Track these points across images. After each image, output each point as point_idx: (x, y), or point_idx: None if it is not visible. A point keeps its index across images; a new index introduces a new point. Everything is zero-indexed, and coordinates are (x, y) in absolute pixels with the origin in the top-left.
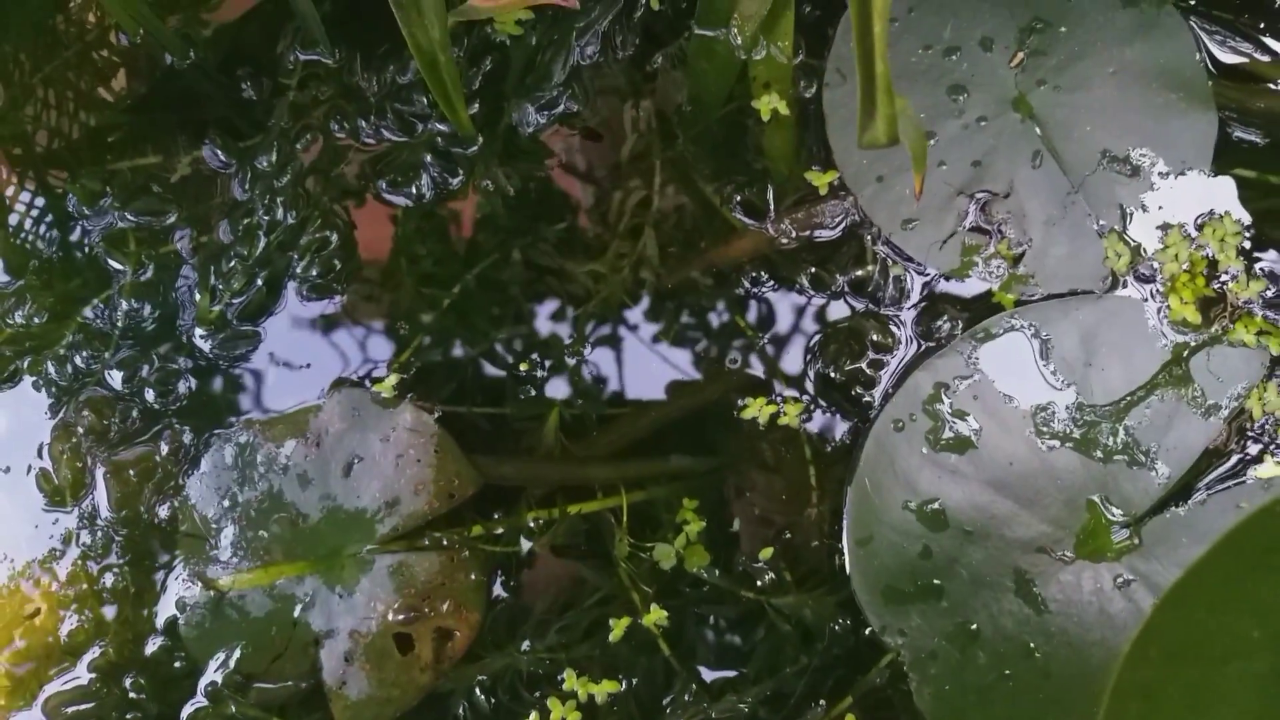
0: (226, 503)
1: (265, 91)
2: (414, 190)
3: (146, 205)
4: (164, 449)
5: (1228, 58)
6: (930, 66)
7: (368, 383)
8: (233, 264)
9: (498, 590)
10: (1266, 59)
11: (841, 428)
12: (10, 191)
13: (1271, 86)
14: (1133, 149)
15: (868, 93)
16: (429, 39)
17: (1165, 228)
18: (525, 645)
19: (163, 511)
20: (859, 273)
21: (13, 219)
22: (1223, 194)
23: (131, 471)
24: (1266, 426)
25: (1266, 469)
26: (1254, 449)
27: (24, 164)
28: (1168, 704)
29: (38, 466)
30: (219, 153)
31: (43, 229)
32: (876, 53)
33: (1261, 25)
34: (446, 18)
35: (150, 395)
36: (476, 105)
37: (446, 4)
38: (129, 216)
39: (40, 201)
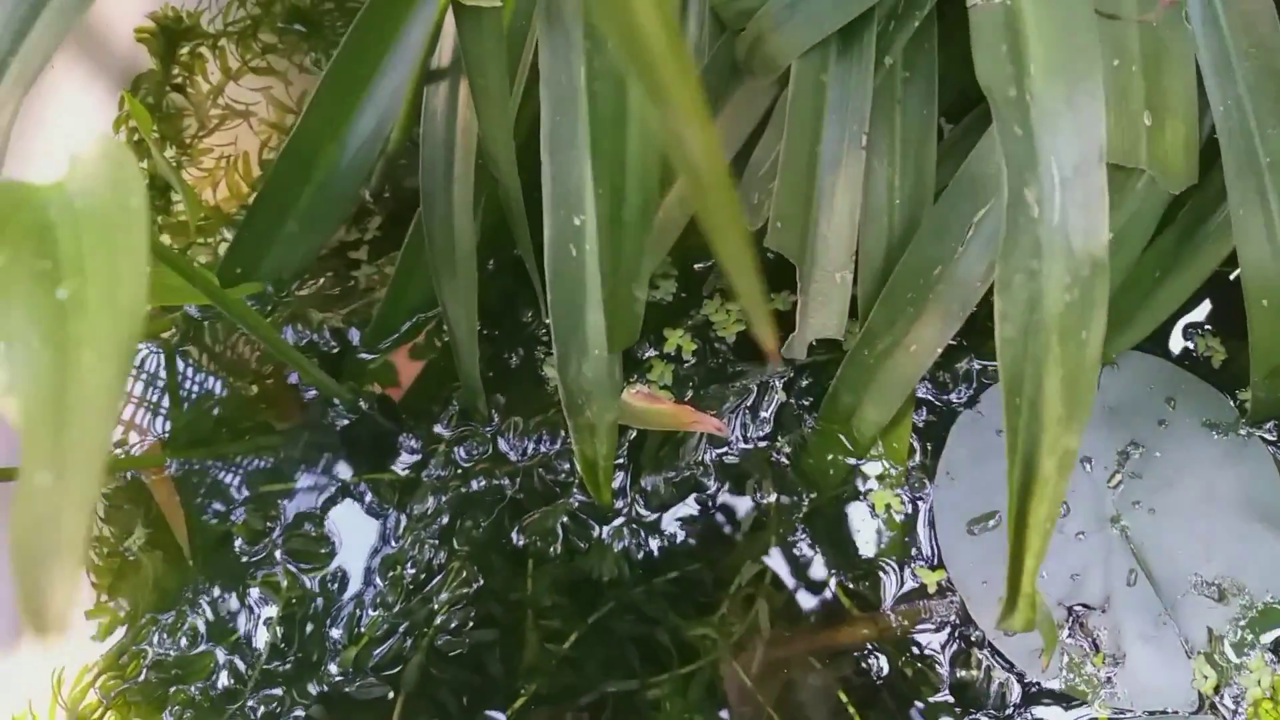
0: None
1: (424, 443)
2: (551, 551)
3: (304, 546)
4: None
5: None
6: None
7: None
8: (376, 612)
9: None
10: None
11: None
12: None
13: None
14: (1221, 574)
15: (1012, 594)
16: (595, 453)
17: (1249, 651)
18: None
19: None
20: (963, 674)
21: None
22: None
23: None
24: None
25: None
26: None
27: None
28: None
29: None
30: (376, 498)
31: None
32: (1025, 570)
33: None
34: (616, 437)
35: None
36: (617, 477)
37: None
38: (285, 558)
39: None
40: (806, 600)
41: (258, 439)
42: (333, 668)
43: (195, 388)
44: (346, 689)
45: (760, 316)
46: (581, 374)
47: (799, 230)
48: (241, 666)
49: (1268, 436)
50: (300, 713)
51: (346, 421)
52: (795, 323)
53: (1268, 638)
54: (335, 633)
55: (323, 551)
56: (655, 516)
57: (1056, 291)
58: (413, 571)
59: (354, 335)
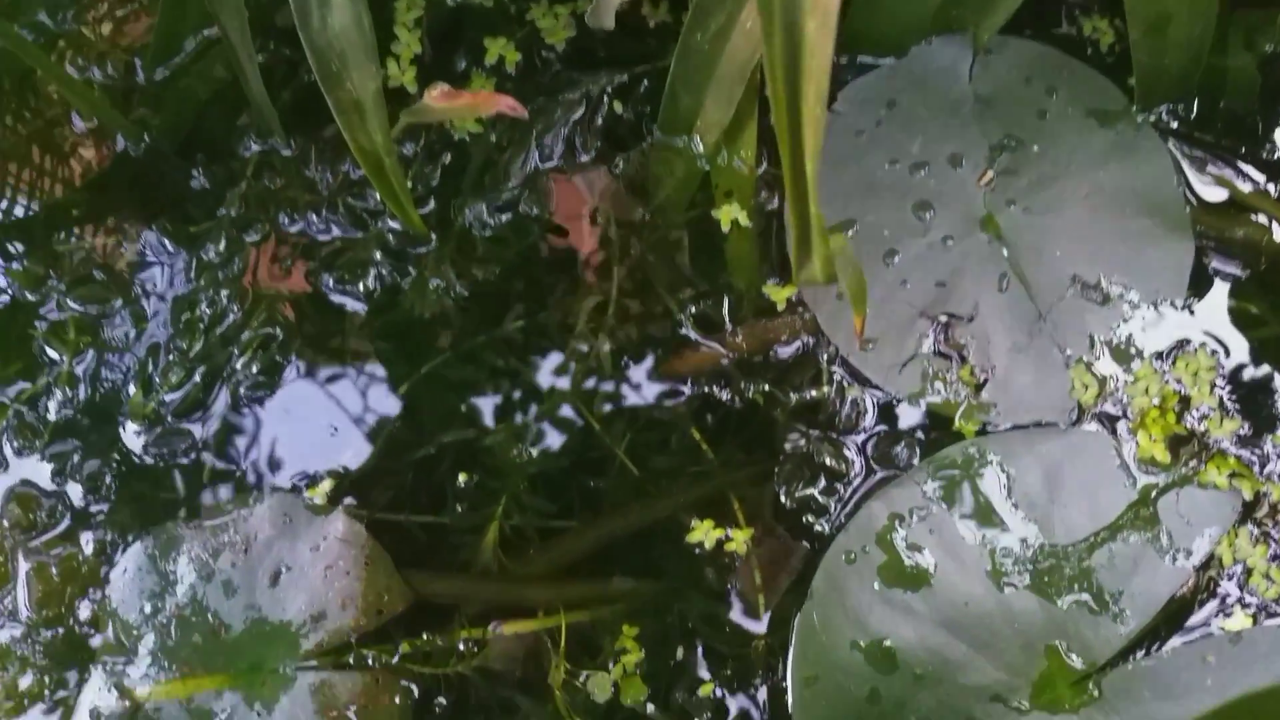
0: (149, 608)
1: (218, 179)
2: (361, 287)
3: (90, 292)
4: (89, 548)
5: (1207, 184)
6: (896, 181)
7: (302, 487)
8: (171, 358)
9: (425, 714)
10: (1248, 187)
11: (793, 556)
12: None
13: (1253, 216)
14: (1104, 276)
15: (802, 233)
16: (371, 142)
17: (1136, 360)
18: None
19: (84, 613)
20: (814, 394)
21: None
22: (1198, 326)
23: (54, 569)
24: (1237, 575)
25: (1235, 621)
26: (1223, 599)
27: None
28: None
29: None
30: (166, 240)
31: None
32: (810, 196)
33: (1243, 150)
34: (389, 123)
35: (78, 492)
36: (432, 203)
37: (395, 104)
38: (71, 303)
39: None
40: (653, 330)
41: (40, 185)
42: (130, 424)
43: None
44: (145, 440)
45: None
46: (327, 28)
47: None
48: (32, 419)
49: (1169, 125)
50: (95, 466)
51: (134, 160)
52: None
53: (1157, 344)
54: (130, 387)
55: (112, 299)
56: (483, 251)
57: None
58: (210, 313)
59: (139, 67)
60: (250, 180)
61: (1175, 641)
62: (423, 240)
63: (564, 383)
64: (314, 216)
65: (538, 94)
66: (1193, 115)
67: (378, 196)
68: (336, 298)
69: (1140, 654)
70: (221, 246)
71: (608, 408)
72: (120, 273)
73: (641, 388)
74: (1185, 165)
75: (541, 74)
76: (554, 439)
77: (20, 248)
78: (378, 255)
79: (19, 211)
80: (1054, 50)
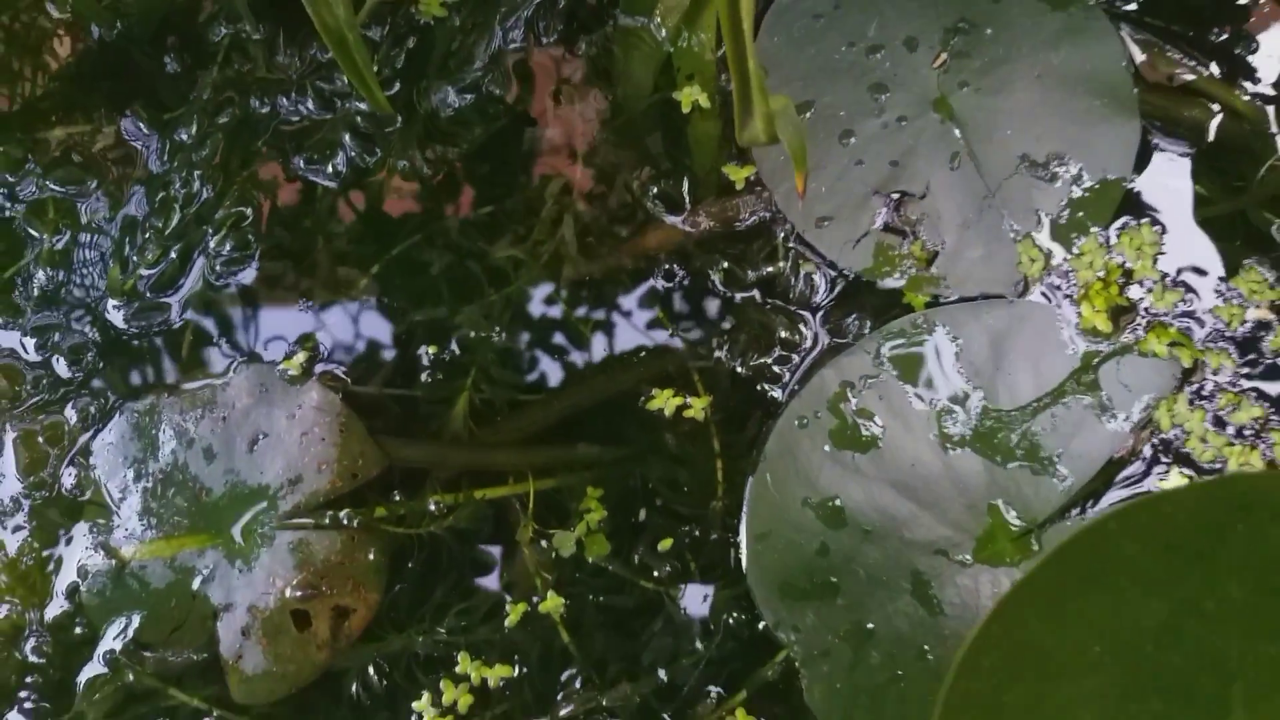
0: (132, 473)
1: (190, 64)
2: (331, 168)
3: (68, 175)
4: (73, 418)
5: (1156, 65)
6: (853, 64)
7: (277, 359)
8: (147, 236)
9: (398, 571)
10: (1196, 69)
11: (749, 422)
12: None
13: (1198, 97)
14: (1052, 154)
15: (743, 92)
16: (335, 18)
17: (1081, 235)
18: (423, 627)
19: (69, 479)
20: (770, 269)
21: None
22: (1143, 203)
23: (40, 438)
24: (1174, 438)
25: (1172, 481)
26: (1160, 460)
27: None
28: (1003, 717)
29: None
30: (140, 124)
31: None
32: (747, 52)
33: (1191, 34)
34: (353, 0)
35: (62, 364)
36: (398, 85)
37: None
38: (50, 185)
39: None
40: (617, 209)
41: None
42: (110, 300)
43: None
44: (124, 315)
45: None
46: None
47: None
48: (17, 297)
49: (1120, 9)
50: (77, 339)
51: (108, 47)
52: None
53: (1102, 219)
54: (109, 263)
55: (89, 180)
56: (450, 129)
57: None
58: (184, 193)
59: None
60: (220, 65)
61: (1113, 499)
62: (389, 121)
63: (531, 261)
64: (283, 99)
65: None
66: None
67: (345, 79)
68: (308, 178)
69: (1077, 511)
70: (194, 130)
71: (577, 289)
72: (96, 156)
73: (606, 265)
74: (1134, 48)
75: None
76: (522, 316)
77: None
78: (346, 137)
79: (1, 100)
80: None
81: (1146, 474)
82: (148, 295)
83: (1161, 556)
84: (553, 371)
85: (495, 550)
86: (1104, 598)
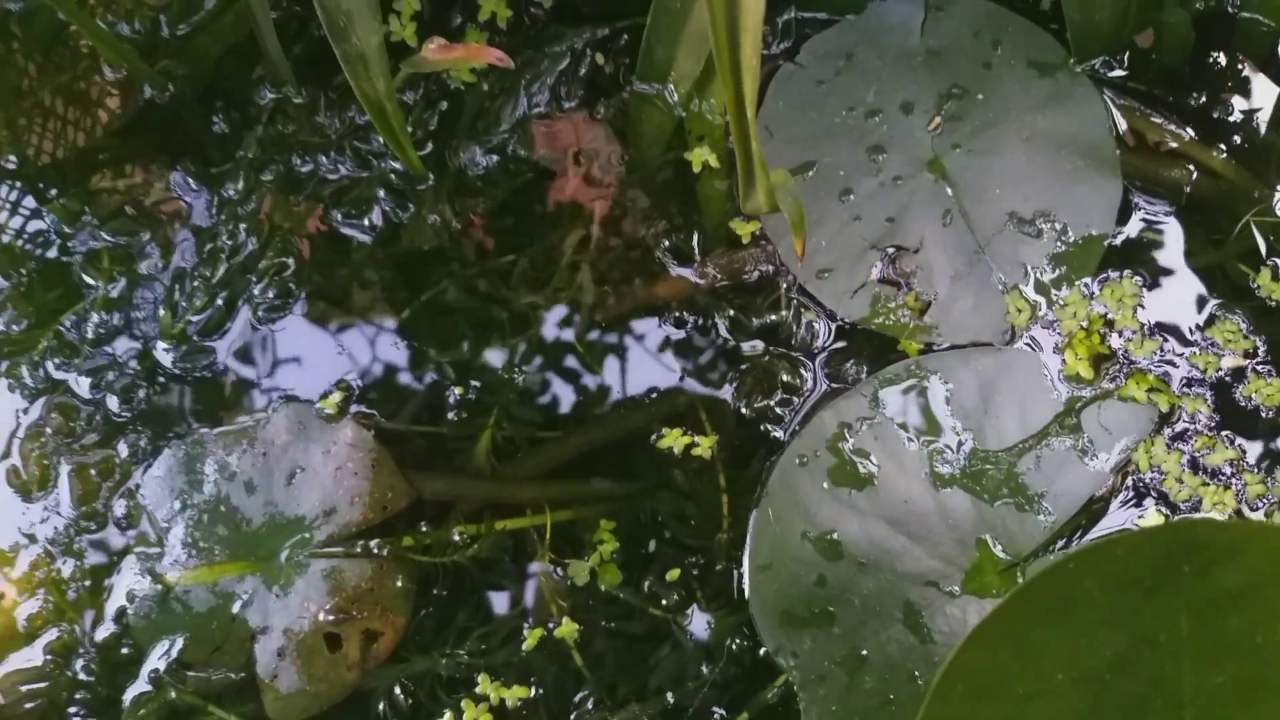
0: (178, 504)
1: (236, 124)
2: (367, 222)
3: (121, 226)
4: (124, 452)
5: (1137, 129)
6: (852, 127)
7: (314, 399)
8: (196, 284)
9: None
10: (1176, 133)
11: (752, 460)
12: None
13: (1179, 159)
14: (1038, 212)
15: (747, 169)
16: (375, 90)
17: (1065, 287)
18: (446, 650)
19: (119, 509)
20: (774, 317)
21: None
22: (1124, 257)
23: (93, 471)
24: (1151, 479)
25: (1149, 518)
26: (1138, 499)
27: (18, 178)
28: None
29: (7, 464)
30: (189, 179)
31: (26, 243)
32: (751, 135)
33: (1171, 99)
34: (390, 72)
35: (114, 402)
36: (430, 145)
37: (397, 56)
38: (105, 236)
39: (26, 217)
40: (629, 262)
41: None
42: (160, 343)
43: None
44: (173, 357)
45: None
46: None
47: None
48: (72, 339)
49: (1105, 75)
50: (129, 380)
51: (159, 106)
52: None
53: (1085, 272)
54: (160, 310)
55: (141, 232)
56: (477, 186)
57: None
58: (230, 244)
59: (164, 23)
60: (265, 125)
61: (1095, 534)
62: (421, 179)
63: (551, 308)
64: (323, 158)
65: (526, 47)
66: (1126, 66)
67: (381, 139)
68: (344, 231)
69: (1060, 546)
70: (240, 185)
71: (593, 334)
72: (148, 209)
73: (621, 312)
74: (1117, 112)
75: (530, 29)
76: (541, 359)
77: (56, 189)
78: (381, 193)
79: (59, 154)
80: (999, 7)
81: (1126, 511)
82: (195, 339)
83: (1118, 593)
84: (570, 411)
85: (514, 578)
86: (1067, 630)
